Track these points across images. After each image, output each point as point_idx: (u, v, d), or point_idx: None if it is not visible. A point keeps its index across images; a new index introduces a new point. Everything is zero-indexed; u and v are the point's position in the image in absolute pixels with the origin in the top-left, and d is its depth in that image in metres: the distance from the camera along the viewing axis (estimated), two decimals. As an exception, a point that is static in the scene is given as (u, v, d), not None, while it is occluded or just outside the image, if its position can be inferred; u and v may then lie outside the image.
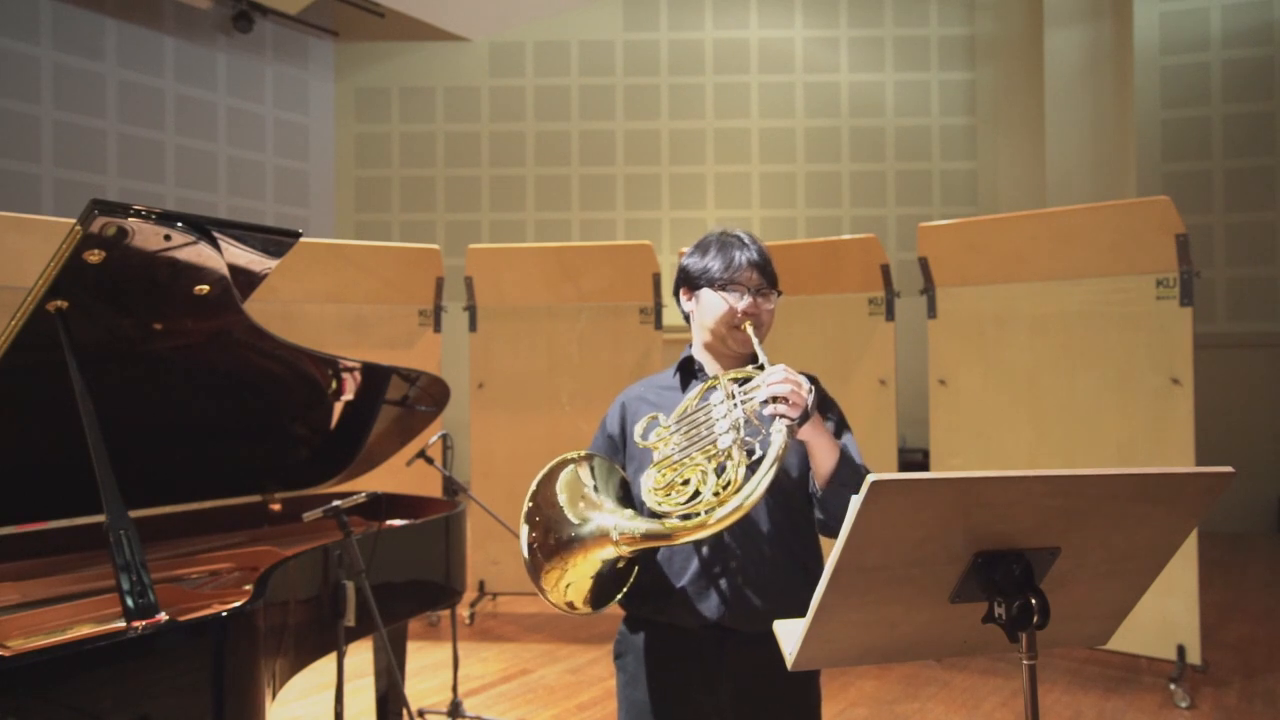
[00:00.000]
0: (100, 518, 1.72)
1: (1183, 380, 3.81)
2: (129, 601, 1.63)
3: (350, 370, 2.69)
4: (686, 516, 1.46)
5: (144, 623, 1.61)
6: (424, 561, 2.82)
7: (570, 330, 5.14)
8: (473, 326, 5.16)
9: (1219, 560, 6.23)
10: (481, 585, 5.08)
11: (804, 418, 1.46)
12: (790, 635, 1.23)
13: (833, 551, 1.12)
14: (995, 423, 4.31)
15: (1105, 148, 7.54)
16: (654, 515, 1.54)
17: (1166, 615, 3.83)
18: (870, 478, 1.04)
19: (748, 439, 1.48)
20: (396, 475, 3.37)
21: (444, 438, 3.75)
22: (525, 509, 1.55)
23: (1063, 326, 4.13)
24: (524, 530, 1.54)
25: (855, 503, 1.06)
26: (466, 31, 8.96)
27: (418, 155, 9.10)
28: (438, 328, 5.05)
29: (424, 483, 4.26)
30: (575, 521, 1.54)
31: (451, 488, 3.53)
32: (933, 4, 8.82)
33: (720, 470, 1.48)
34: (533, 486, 1.57)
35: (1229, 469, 1.15)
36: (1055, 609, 1.15)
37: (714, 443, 1.50)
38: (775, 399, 1.45)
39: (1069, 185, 7.47)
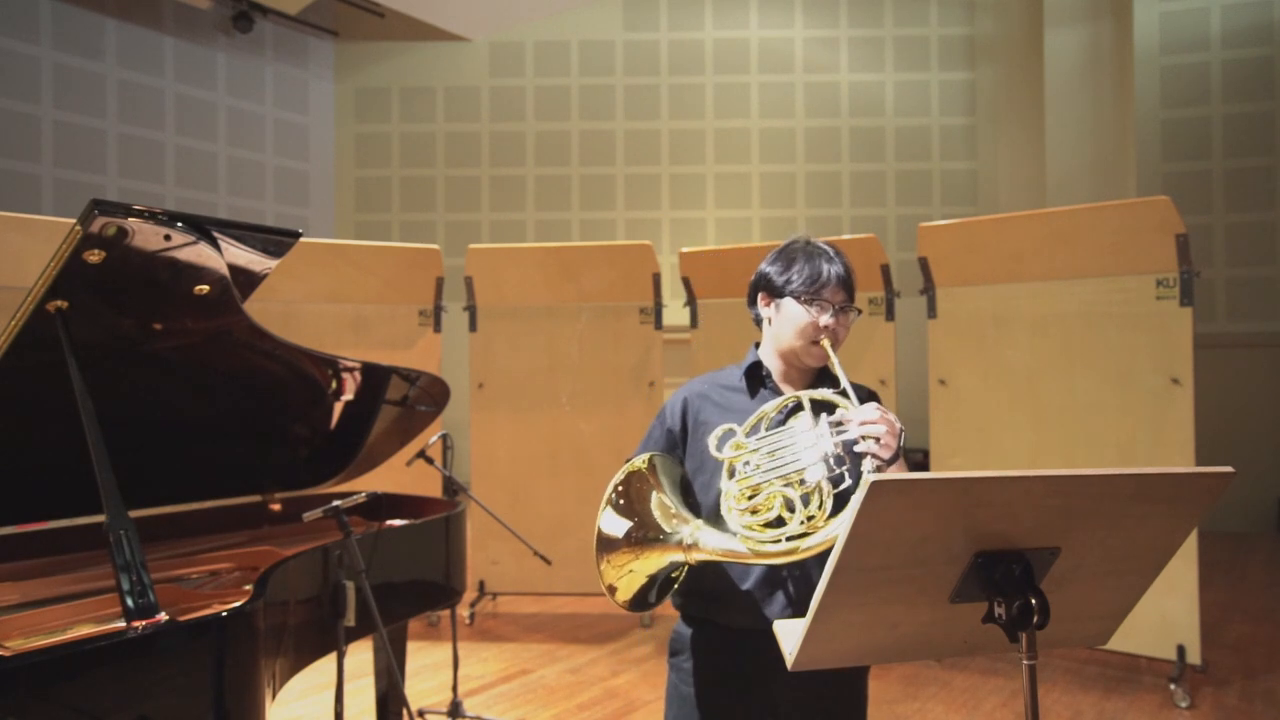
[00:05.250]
0: (100, 518, 1.72)
1: (1183, 380, 3.81)
2: (129, 601, 1.63)
3: (350, 370, 2.69)
4: (766, 540, 1.48)
5: (144, 623, 1.61)
6: (424, 561, 2.82)
7: (570, 330, 5.13)
8: (473, 326, 5.16)
9: (1219, 560, 6.23)
10: (481, 585, 5.08)
11: (894, 459, 1.47)
12: (790, 635, 1.23)
13: (833, 552, 1.12)
14: (995, 423, 4.31)
15: (1105, 148, 7.53)
16: (716, 519, 1.58)
17: (1166, 615, 3.83)
18: (870, 478, 1.04)
19: (835, 467, 1.48)
20: (396, 475, 3.37)
21: (444, 438, 3.75)
22: (612, 496, 1.57)
23: (1062, 326, 4.13)
24: (606, 511, 1.56)
25: (855, 503, 1.06)
26: (466, 31, 8.95)
27: (418, 155, 9.10)
28: (438, 328, 5.05)
29: (424, 483, 4.26)
30: (666, 530, 1.57)
31: (451, 488, 3.53)
32: (933, 4, 8.81)
33: (806, 501, 1.49)
34: (618, 479, 1.59)
35: (1229, 469, 1.15)
36: (1055, 609, 1.15)
37: (800, 471, 1.50)
38: (866, 438, 1.47)
39: (1069, 185, 7.47)
